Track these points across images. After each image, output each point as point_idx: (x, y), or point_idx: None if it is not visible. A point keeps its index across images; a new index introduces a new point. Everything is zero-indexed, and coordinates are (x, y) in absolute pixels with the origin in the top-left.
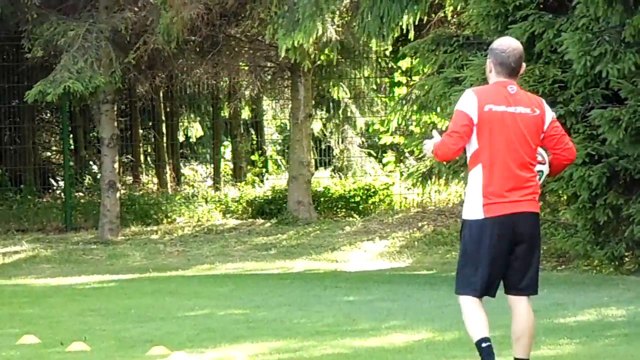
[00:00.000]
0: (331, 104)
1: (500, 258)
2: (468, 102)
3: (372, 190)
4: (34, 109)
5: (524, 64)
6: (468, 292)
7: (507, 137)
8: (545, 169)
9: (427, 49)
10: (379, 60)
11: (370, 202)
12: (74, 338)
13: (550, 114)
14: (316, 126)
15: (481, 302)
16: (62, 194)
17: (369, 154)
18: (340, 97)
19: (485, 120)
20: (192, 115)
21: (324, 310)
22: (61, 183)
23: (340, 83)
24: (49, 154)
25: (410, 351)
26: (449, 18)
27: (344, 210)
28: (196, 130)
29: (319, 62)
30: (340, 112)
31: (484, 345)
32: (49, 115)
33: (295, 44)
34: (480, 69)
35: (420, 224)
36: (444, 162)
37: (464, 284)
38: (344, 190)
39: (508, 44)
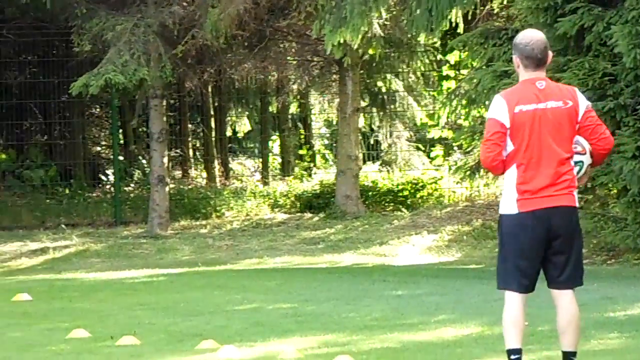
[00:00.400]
0: (380, 97)
1: (536, 252)
2: (498, 108)
3: (421, 184)
4: (83, 104)
5: (550, 53)
6: (508, 287)
7: (540, 134)
8: (586, 159)
9: (475, 43)
10: (428, 53)
11: (418, 196)
12: (123, 332)
13: (584, 104)
14: (363, 120)
15: (524, 298)
16: (112, 189)
17: (417, 148)
18: (390, 90)
19: (518, 122)
20: (240, 110)
21: (373, 305)
22: (111, 178)
23: (390, 76)
24: (98, 148)
25: (459, 345)
26: (498, 11)
27: (392, 204)
28: (244, 125)
29: (366, 57)
30: (388, 105)
31: (512, 357)
32: (99, 110)
33: (342, 41)
34: None
35: (468, 218)
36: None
37: (504, 279)
38: (392, 184)
39: (530, 36)
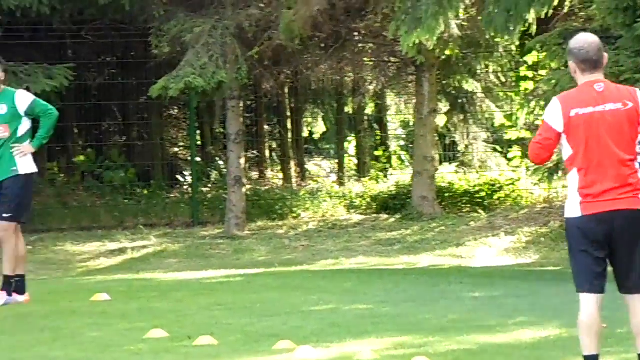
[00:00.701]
0: (456, 98)
1: (600, 254)
2: (552, 112)
3: (498, 185)
4: (161, 105)
5: (605, 54)
6: (580, 289)
7: (599, 137)
8: None
9: (553, 43)
10: (505, 54)
11: (495, 197)
12: (201, 332)
13: None
14: (440, 121)
15: (598, 299)
16: (189, 190)
17: (494, 149)
18: (467, 91)
19: (574, 125)
20: (316, 111)
21: (449, 306)
22: (188, 178)
23: (467, 77)
24: (176, 149)
25: (537, 347)
26: (576, 11)
27: (468, 205)
28: (320, 126)
29: (443, 57)
30: (466, 107)
31: None
32: (176, 111)
33: (417, 42)
34: (609, 63)
35: (546, 220)
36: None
37: (576, 281)
38: (469, 186)
39: (584, 39)
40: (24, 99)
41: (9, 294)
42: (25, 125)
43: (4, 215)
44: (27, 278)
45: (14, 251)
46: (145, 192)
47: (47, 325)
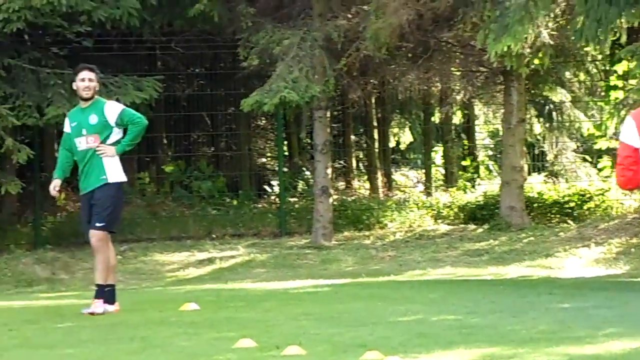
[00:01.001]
0: (545, 108)
1: None
2: (627, 131)
3: (588, 195)
4: (249, 116)
5: None
6: None
7: None
8: None
9: None
10: (595, 63)
11: (585, 207)
12: (289, 342)
13: None
14: (536, 128)
15: None
16: (277, 200)
17: (584, 159)
18: (558, 100)
19: None
20: (402, 121)
21: (538, 317)
22: (275, 189)
23: (556, 87)
24: (263, 160)
25: (627, 359)
26: None
27: (558, 216)
28: (406, 136)
29: (532, 67)
30: (554, 116)
31: None
32: (264, 121)
33: (504, 49)
34: None
35: (637, 230)
36: None
37: None
38: (558, 196)
39: None
40: (113, 109)
41: (110, 303)
42: (115, 135)
43: (97, 224)
44: (117, 288)
45: (107, 261)
46: (234, 202)
47: (137, 335)
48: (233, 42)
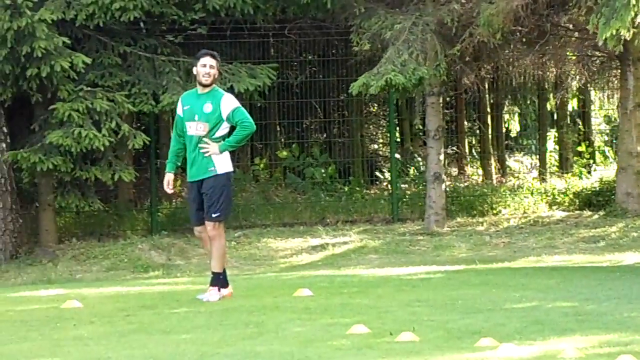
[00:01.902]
0: None
1: None
2: None
3: None
4: (361, 102)
5: None
6: None
7: None
8: None
9: None
10: None
11: None
12: (402, 328)
13: None
14: None
15: None
16: (389, 186)
17: None
18: None
19: None
20: (516, 107)
21: None
22: (387, 175)
23: None
24: (375, 146)
25: None
26: None
27: None
28: (514, 122)
29: None
30: None
31: None
32: (376, 108)
33: (614, 33)
34: None
35: None
36: None
37: None
38: None
39: None
40: (229, 103)
41: (224, 286)
42: (222, 130)
43: (213, 215)
44: (232, 274)
45: (223, 249)
46: (346, 188)
47: (252, 321)
48: (345, 29)
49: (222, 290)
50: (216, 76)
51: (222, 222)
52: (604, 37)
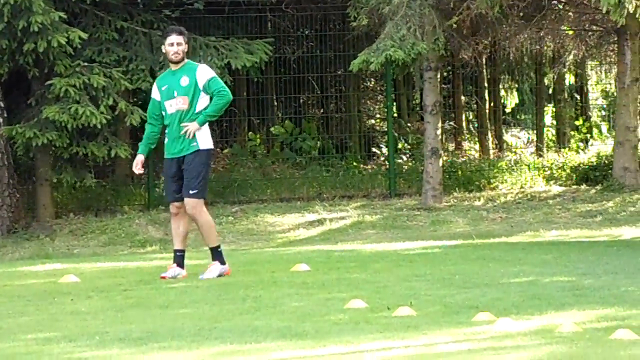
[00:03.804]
0: None
1: None
2: None
3: None
4: (358, 77)
5: None
6: None
7: None
8: None
9: None
10: None
11: None
12: (400, 303)
13: None
14: None
15: None
16: (386, 161)
17: None
18: None
19: None
20: (513, 82)
21: None
22: (384, 150)
23: None
24: (372, 121)
25: None
26: None
27: None
28: (514, 97)
29: None
30: None
31: None
32: (372, 83)
33: (617, 2)
34: None
35: None
36: None
37: None
38: None
39: None
40: (204, 73)
41: (222, 263)
42: (203, 101)
43: (191, 192)
44: (228, 248)
45: (209, 223)
46: (343, 163)
47: (249, 295)
48: (343, 3)
49: (222, 267)
50: (185, 50)
51: (199, 200)
52: (606, 6)
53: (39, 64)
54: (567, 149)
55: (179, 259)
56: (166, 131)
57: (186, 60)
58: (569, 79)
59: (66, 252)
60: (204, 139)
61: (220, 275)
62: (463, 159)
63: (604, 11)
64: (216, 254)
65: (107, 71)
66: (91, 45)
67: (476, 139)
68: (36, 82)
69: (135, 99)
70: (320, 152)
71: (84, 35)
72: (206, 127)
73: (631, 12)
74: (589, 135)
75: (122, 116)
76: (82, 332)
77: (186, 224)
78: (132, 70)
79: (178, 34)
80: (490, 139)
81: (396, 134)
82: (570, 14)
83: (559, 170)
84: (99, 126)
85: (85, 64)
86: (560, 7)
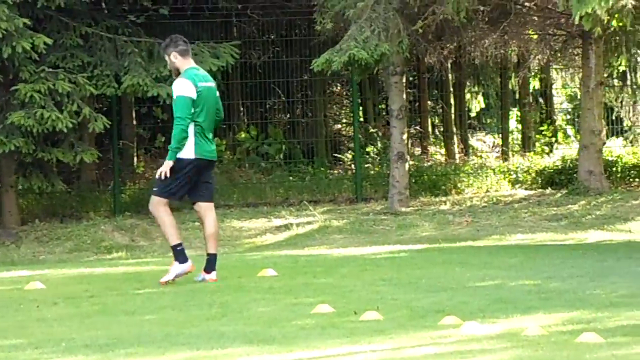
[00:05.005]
0: (622, 71)
1: None
2: None
3: None
4: (324, 82)
5: None
6: None
7: None
8: None
9: None
10: None
11: None
12: (366, 307)
13: None
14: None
15: None
16: (352, 166)
17: None
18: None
19: None
20: (478, 86)
21: (618, 282)
22: (349, 155)
23: (634, 49)
24: (338, 126)
25: None
26: None
27: (637, 179)
28: (479, 102)
29: (611, 29)
30: (631, 78)
31: None
32: (339, 88)
33: (590, 11)
34: None
35: None
36: None
37: None
38: (637, 159)
39: None
40: (174, 89)
41: (181, 262)
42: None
43: (154, 188)
44: (193, 254)
45: (164, 222)
46: (310, 168)
47: (216, 301)
48: (308, 9)
49: (182, 265)
50: (173, 66)
51: (156, 196)
52: (578, 16)
53: (4, 70)
54: (532, 152)
55: (206, 263)
56: None
57: (182, 69)
58: (534, 83)
59: (32, 258)
60: (185, 150)
61: (178, 276)
62: (429, 164)
63: (576, 21)
64: (175, 253)
65: (72, 77)
66: (56, 51)
67: (442, 144)
68: (1, 88)
69: (100, 105)
70: (287, 157)
71: (49, 41)
72: (190, 138)
73: (604, 19)
74: (554, 139)
75: (87, 122)
76: (48, 339)
77: (209, 227)
78: (96, 76)
79: (163, 51)
80: (456, 143)
81: (362, 139)
82: (535, 18)
83: (525, 174)
84: (64, 130)
85: (50, 69)
86: (525, 11)
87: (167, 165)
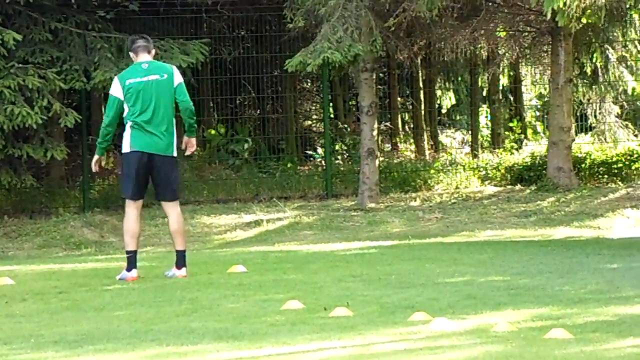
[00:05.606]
0: (592, 68)
1: None
2: None
3: (636, 155)
4: (295, 79)
5: None
6: None
7: None
8: None
9: None
10: None
11: (633, 167)
12: (336, 303)
13: None
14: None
15: None
16: (323, 162)
17: (626, 119)
18: (602, 59)
19: None
20: (448, 83)
21: (587, 278)
22: (321, 151)
23: (605, 47)
24: (309, 122)
25: None
26: None
27: (605, 176)
28: (450, 98)
29: (581, 26)
30: (602, 76)
31: None
32: (309, 84)
33: (561, 6)
34: None
35: None
36: None
37: None
38: (606, 156)
39: None
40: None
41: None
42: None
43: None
44: (163, 250)
45: (125, 226)
46: (280, 165)
47: (186, 297)
48: (279, 4)
49: (128, 272)
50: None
51: (125, 198)
52: (549, 9)
53: None
54: (501, 149)
55: (176, 259)
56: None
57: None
58: (504, 79)
59: (1, 254)
60: (123, 143)
61: (121, 279)
62: (399, 160)
63: (548, 16)
64: (127, 258)
65: (41, 72)
66: (25, 46)
67: (412, 140)
68: None
69: (69, 100)
70: (256, 154)
71: (18, 37)
72: (126, 133)
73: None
74: (523, 136)
75: (57, 118)
76: (17, 335)
77: (171, 224)
78: (66, 71)
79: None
80: (426, 139)
81: (333, 135)
82: (504, 15)
83: (494, 171)
84: (34, 126)
85: (20, 65)
86: (495, 8)
87: (93, 159)
